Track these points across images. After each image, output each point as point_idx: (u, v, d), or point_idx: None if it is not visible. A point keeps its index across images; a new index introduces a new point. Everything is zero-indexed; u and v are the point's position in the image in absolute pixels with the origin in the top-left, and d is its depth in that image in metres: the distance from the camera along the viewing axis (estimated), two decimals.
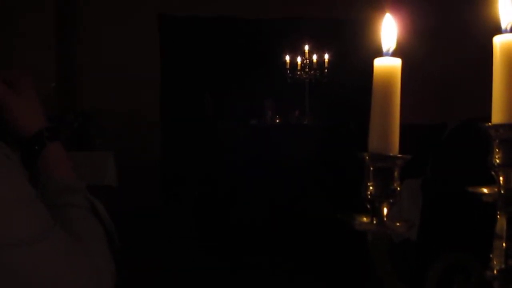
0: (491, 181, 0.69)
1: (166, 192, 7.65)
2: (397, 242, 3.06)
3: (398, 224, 0.69)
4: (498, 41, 0.68)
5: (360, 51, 4.10)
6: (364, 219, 0.70)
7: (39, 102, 1.11)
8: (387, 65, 0.70)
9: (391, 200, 0.69)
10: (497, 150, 0.67)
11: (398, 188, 0.70)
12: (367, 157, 0.69)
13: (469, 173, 0.94)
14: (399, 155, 0.69)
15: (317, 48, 7.47)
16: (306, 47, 7.48)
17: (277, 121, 7.27)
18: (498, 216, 0.68)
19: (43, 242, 0.90)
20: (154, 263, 4.94)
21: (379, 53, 0.72)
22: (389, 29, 0.73)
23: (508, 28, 0.68)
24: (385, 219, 0.69)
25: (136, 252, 4.68)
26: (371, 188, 0.69)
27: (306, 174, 6.16)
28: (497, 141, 0.67)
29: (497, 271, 0.67)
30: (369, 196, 0.69)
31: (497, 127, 0.67)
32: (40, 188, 1.04)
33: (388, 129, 0.70)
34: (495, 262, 0.67)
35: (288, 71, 7.45)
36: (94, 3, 7.66)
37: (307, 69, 7.44)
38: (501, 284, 0.66)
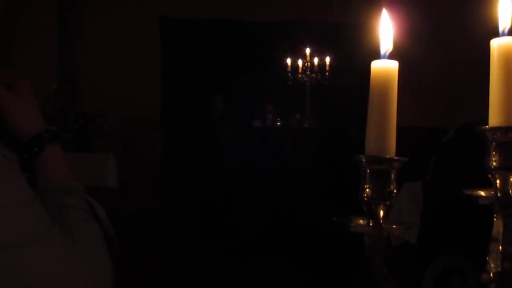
0: (491, 184, 0.68)
1: (166, 194, 7.65)
2: (396, 245, 3.05)
3: (394, 226, 0.69)
4: (495, 43, 0.68)
5: (361, 54, 4.10)
6: (361, 221, 0.70)
7: (37, 104, 1.11)
8: (384, 67, 0.70)
9: (387, 202, 0.69)
10: (494, 153, 0.67)
11: (395, 191, 0.69)
12: (363, 159, 0.69)
13: (469, 176, 0.94)
14: (396, 158, 0.69)
15: (318, 51, 7.47)
16: (307, 50, 7.48)
17: (278, 124, 7.27)
18: (495, 219, 0.68)
19: (41, 243, 0.90)
20: (154, 265, 4.93)
21: (379, 55, 0.72)
22: (386, 31, 0.73)
23: (506, 31, 0.68)
24: (381, 221, 0.69)
25: (136, 253, 4.68)
26: (367, 190, 0.69)
27: (306, 177, 6.16)
28: (494, 144, 0.67)
29: (493, 274, 0.67)
30: (366, 198, 0.69)
31: (494, 130, 0.67)
32: (39, 189, 1.04)
33: (385, 131, 0.69)
34: (491, 265, 0.67)
35: (289, 74, 7.44)
36: (95, 5, 7.67)
37: (308, 72, 7.44)
38: (497, 287, 0.66)
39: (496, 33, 0.68)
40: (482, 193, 0.69)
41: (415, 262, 2.38)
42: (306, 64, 7.48)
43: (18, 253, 0.87)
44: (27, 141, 1.09)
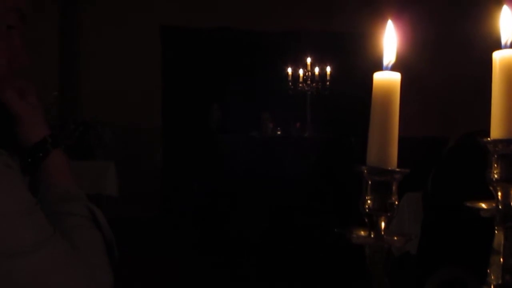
0: (492, 196, 0.68)
1: (166, 201, 7.65)
2: (397, 255, 3.05)
3: (395, 237, 0.69)
4: (497, 56, 0.68)
5: (361, 64, 4.11)
6: (362, 232, 0.69)
7: (43, 110, 1.13)
8: (387, 79, 0.70)
9: (389, 214, 0.69)
10: (495, 165, 0.67)
11: (396, 202, 0.69)
12: (365, 171, 0.69)
13: (470, 187, 0.93)
14: (398, 169, 0.69)
15: (319, 60, 7.47)
16: (308, 60, 7.48)
17: (278, 133, 7.26)
18: (496, 231, 0.68)
19: (42, 251, 0.90)
20: (154, 272, 4.93)
21: (381, 66, 0.71)
22: (390, 43, 0.73)
23: (508, 44, 0.68)
24: (382, 232, 0.68)
25: (137, 260, 4.67)
26: (369, 201, 0.69)
27: (306, 187, 6.15)
28: (495, 156, 0.67)
29: (494, 286, 0.67)
30: (367, 210, 0.69)
31: (496, 142, 0.67)
32: (40, 195, 1.05)
33: (387, 143, 0.69)
34: (492, 277, 0.67)
35: (290, 83, 7.44)
36: (96, 14, 7.69)
37: (309, 82, 7.44)
38: None
39: (498, 46, 0.68)
40: (483, 205, 0.69)
41: (415, 273, 2.38)
42: (307, 73, 7.47)
43: (20, 261, 0.87)
44: (32, 146, 1.09)
